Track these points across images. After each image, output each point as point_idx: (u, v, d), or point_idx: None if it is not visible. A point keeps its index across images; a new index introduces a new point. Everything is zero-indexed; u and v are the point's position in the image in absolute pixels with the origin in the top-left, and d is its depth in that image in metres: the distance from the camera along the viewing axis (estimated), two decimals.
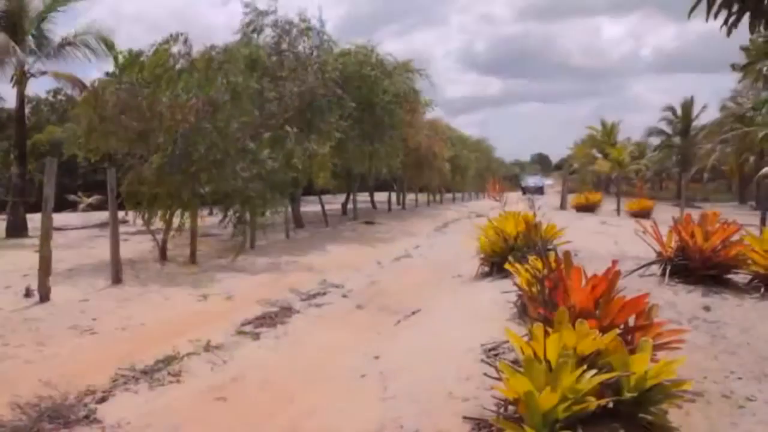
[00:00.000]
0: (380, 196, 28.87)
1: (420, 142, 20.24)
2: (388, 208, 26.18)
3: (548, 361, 3.02)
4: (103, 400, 3.84)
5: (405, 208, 27.96)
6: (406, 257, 10.69)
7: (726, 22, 3.67)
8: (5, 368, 4.45)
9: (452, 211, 27.05)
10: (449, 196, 42.12)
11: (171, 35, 9.33)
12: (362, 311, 6.62)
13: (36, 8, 15.29)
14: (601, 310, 3.65)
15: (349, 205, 21.40)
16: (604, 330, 3.25)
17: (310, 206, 21.01)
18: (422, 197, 33.77)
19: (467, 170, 34.17)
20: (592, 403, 2.74)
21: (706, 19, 3.64)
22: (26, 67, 15.14)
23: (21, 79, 14.98)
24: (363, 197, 25.88)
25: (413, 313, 6.10)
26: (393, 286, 8.06)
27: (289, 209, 12.94)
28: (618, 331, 3.24)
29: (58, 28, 16.00)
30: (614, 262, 3.91)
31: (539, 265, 3.91)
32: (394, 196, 28.40)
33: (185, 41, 9.40)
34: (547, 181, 55.36)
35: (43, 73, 15.79)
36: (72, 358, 4.77)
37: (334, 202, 22.15)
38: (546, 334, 3.12)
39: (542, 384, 2.81)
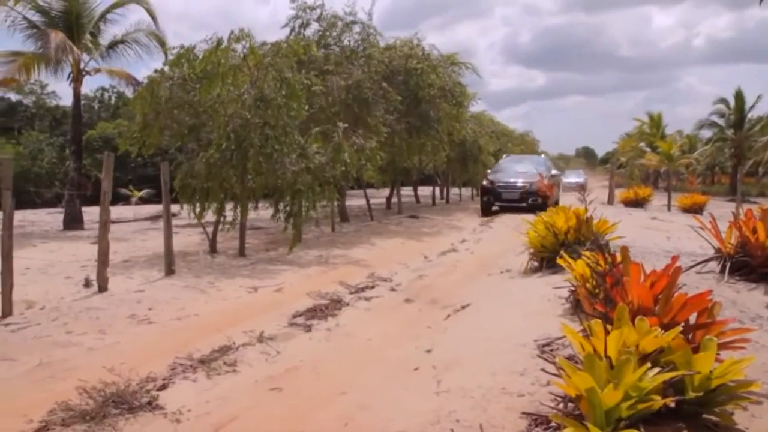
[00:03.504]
0: (424, 191, 28.81)
1: (465, 136, 20.10)
2: (432, 202, 26.11)
3: (609, 358, 2.97)
4: (163, 387, 3.95)
5: (449, 203, 27.83)
6: (452, 251, 10.64)
7: None
8: (70, 355, 4.62)
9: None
10: None
11: (233, 32, 9.48)
12: (411, 305, 6.62)
13: (92, 7, 15.78)
14: (660, 308, 3.57)
15: (394, 199, 21.43)
16: (664, 328, 3.18)
17: (353, 200, 21.13)
18: (465, 191, 33.54)
19: None
20: (657, 401, 2.69)
21: (760, 2, 3.48)
22: (82, 66, 15.65)
23: (77, 77, 15.48)
24: (406, 191, 25.87)
25: (463, 307, 6.07)
26: (441, 280, 8.04)
27: (335, 203, 13.02)
28: (680, 328, 3.16)
29: (110, 26, 16.49)
30: (674, 258, 3.81)
31: (599, 259, 3.84)
32: (437, 190, 28.31)
33: (248, 38, 9.53)
34: (579, 179, 31.62)
35: (98, 70, 16.29)
36: (131, 346, 4.93)
37: (377, 197, 22.22)
38: (606, 330, 3.07)
39: (604, 381, 2.77)
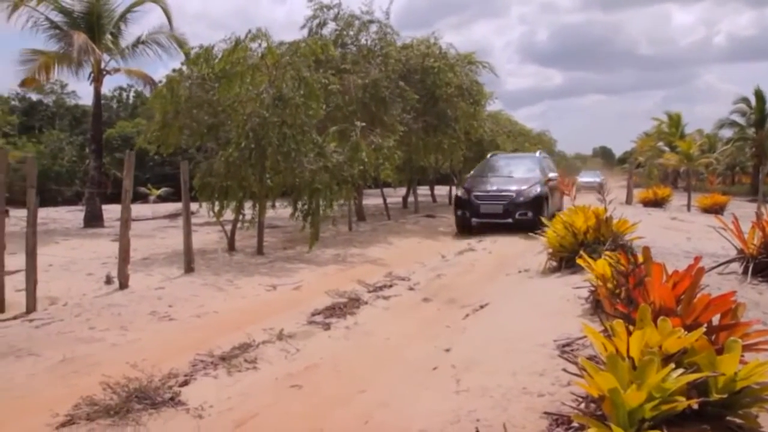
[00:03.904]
0: (440, 190, 28.76)
1: (483, 135, 20.02)
2: (448, 201, 26.05)
3: (632, 359, 2.95)
4: (185, 383, 3.99)
5: None
6: (470, 251, 10.63)
7: None
8: (94, 350, 4.69)
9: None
10: None
11: (250, 31, 9.54)
12: (430, 304, 6.63)
13: (113, 8, 15.96)
14: (683, 308, 3.54)
15: (410, 199, 21.41)
16: (687, 329, 3.15)
17: (370, 199, 21.15)
18: None
19: None
20: (682, 402, 2.66)
21: None
22: (103, 65, 15.83)
23: (98, 76, 15.67)
24: (422, 191, 25.84)
25: (481, 306, 6.07)
26: (459, 279, 8.03)
27: (353, 202, 13.07)
28: (703, 329, 3.14)
29: (129, 25, 16.67)
30: (697, 259, 3.78)
31: (621, 259, 3.81)
32: (454, 189, 28.22)
33: (264, 37, 9.59)
34: (596, 179, 29.47)
35: (117, 70, 16.47)
36: (153, 343, 4.98)
37: (393, 196, 22.22)
38: (628, 331, 3.06)
39: (626, 382, 2.75)
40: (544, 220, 7.95)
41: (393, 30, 15.16)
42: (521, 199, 12.97)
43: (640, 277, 3.39)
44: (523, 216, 12.65)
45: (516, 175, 14.23)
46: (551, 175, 14.42)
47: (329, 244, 11.16)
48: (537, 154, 16.54)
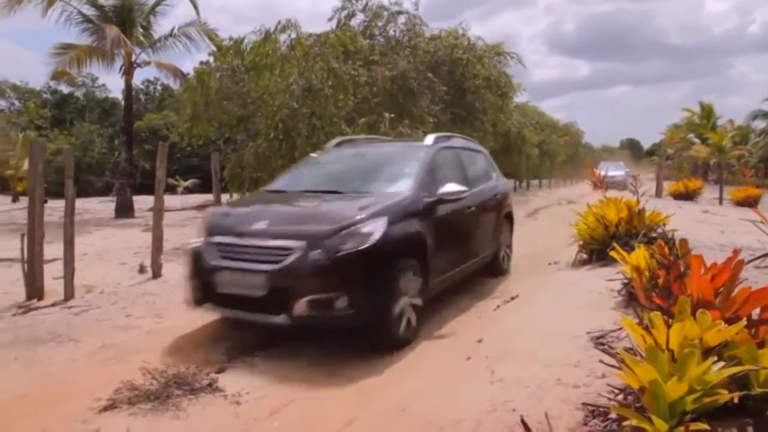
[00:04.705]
0: None
1: (510, 127, 19.89)
2: None
3: (671, 351, 2.92)
4: (221, 370, 4.06)
5: None
6: None
7: None
8: (131, 337, 4.79)
9: (540, 197, 26.44)
10: (535, 182, 41.02)
11: (279, 22, 9.60)
12: (459, 294, 6.61)
13: (143, 1, 16.16)
14: (721, 301, 3.49)
15: None
16: (726, 322, 3.12)
17: None
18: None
19: (556, 156, 33.21)
20: (724, 395, 2.63)
21: None
22: (133, 58, 16.05)
23: (129, 69, 15.89)
24: None
25: (512, 298, 6.04)
26: None
27: None
28: (744, 323, 3.09)
29: (159, 18, 16.88)
30: (735, 251, 3.73)
31: (661, 251, 3.77)
32: None
33: (294, 27, 9.64)
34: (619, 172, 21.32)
35: (148, 63, 16.69)
36: (187, 330, 5.06)
37: None
38: (666, 323, 3.03)
39: (666, 374, 2.73)
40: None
41: (422, 21, 15.13)
42: (316, 258, 4.31)
43: (683, 269, 3.34)
44: (319, 307, 4.25)
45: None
46: (488, 185, 7.39)
47: None
48: (427, 145, 6.41)
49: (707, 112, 40.94)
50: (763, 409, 2.86)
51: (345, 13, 14.67)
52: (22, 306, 5.67)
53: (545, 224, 13.24)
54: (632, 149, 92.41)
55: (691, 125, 41.88)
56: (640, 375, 2.75)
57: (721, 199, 19.81)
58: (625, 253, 4.94)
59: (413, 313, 4.80)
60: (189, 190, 28.07)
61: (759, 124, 42.99)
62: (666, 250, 3.71)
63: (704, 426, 2.52)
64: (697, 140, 39.34)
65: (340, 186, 5.55)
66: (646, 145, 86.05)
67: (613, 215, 6.96)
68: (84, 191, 25.07)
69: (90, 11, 15.49)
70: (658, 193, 20.46)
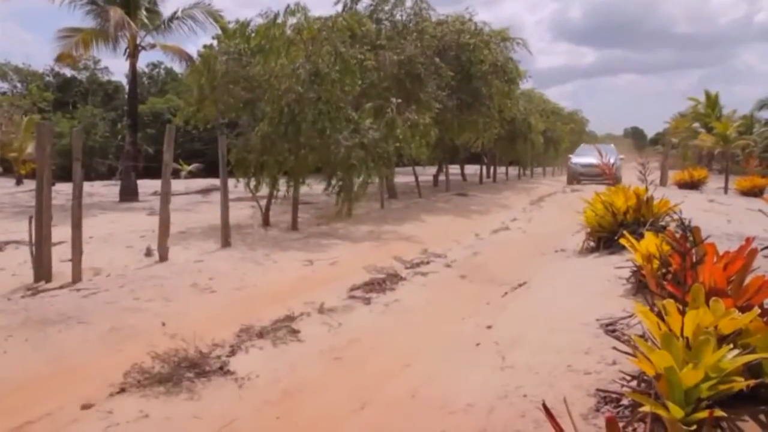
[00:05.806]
0: (469, 169, 28.56)
1: (516, 113, 19.76)
2: (479, 180, 25.89)
3: (686, 339, 2.91)
4: (232, 353, 4.05)
5: (495, 182, 27.54)
6: (504, 230, 10.56)
7: None
8: (140, 320, 4.78)
9: (545, 185, 26.38)
10: (539, 170, 40.91)
11: (288, 6, 9.50)
12: (467, 281, 6.61)
13: None
14: (734, 289, 3.48)
15: (441, 177, 21.32)
16: (739, 310, 3.10)
17: (400, 177, 21.12)
18: (512, 171, 33.13)
19: (560, 143, 33.07)
20: (740, 383, 2.62)
21: None
22: (138, 41, 15.95)
23: (134, 52, 15.80)
24: (453, 170, 25.73)
25: (520, 285, 6.02)
26: (495, 258, 7.99)
27: (385, 179, 13.04)
28: (757, 311, 3.08)
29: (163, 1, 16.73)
30: (748, 240, 3.71)
31: (675, 238, 3.74)
32: (484, 168, 28.04)
33: (303, 11, 9.54)
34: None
35: (153, 46, 16.58)
36: (197, 314, 5.06)
37: (423, 174, 22.13)
38: (680, 311, 3.01)
39: (681, 361, 2.72)
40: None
41: (428, 5, 14.98)
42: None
43: (698, 257, 3.32)
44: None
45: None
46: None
47: (363, 220, 11.17)
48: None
49: (713, 101, 40.68)
50: None
51: None
52: (31, 288, 5.67)
53: (552, 211, 13.23)
54: (636, 137, 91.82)
55: (697, 114, 41.63)
56: (656, 362, 2.73)
57: (726, 189, 19.73)
58: (634, 241, 4.92)
59: None
60: (192, 175, 28.03)
61: (765, 114, 42.74)
62: (680, 237, 3.68)
63: (722, 413, 2.51)
64: (702, 129, 39.11)
65: None
66: (650, 133, 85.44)
67: (621, 203, 6.93)
68: (87, 175, 25.02)
69: None
70: (663, 182, 20.38)
